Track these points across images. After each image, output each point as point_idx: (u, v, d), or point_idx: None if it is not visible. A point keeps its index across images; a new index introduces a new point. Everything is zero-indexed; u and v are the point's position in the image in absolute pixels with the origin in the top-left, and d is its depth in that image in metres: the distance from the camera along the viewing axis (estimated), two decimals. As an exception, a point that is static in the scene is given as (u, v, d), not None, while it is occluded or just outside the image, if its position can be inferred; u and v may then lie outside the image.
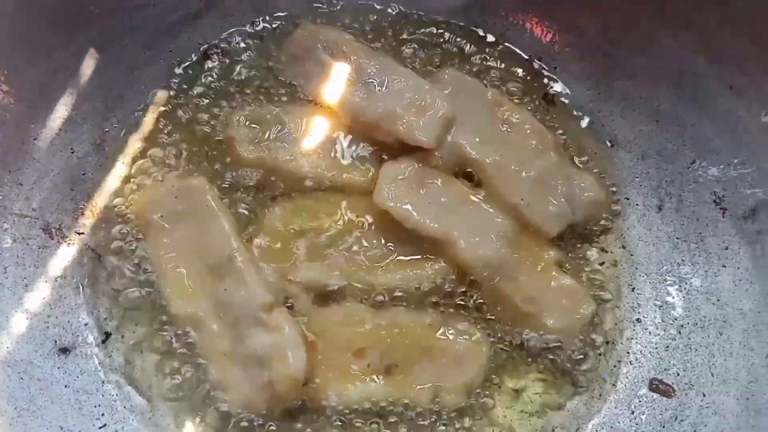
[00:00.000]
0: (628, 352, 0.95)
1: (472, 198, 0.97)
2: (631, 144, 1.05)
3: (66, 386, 0.85)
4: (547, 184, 0.98)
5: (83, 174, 0.96)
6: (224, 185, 0.98)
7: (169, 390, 0.88)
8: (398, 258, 0.96)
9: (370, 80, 1.01)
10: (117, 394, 0.87)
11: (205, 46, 1.07)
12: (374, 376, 0.90)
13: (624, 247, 1.01)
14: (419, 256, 0.95)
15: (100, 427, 0.84)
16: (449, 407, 0.89)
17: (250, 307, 0.88)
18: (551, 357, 0.93)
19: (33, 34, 0.91)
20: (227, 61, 1.07)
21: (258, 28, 1.09)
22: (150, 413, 0.87)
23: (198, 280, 0.91)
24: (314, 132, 1.00)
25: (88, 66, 0.98)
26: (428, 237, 0.93)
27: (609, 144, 1.06)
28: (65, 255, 0.92)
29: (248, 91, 1.05)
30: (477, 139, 0.99)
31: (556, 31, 1.09)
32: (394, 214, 0.93)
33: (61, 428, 0.81)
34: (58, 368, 0.86)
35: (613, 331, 0.96)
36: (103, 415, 0.85)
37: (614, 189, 1.04)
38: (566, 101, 1.08)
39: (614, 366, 0.94)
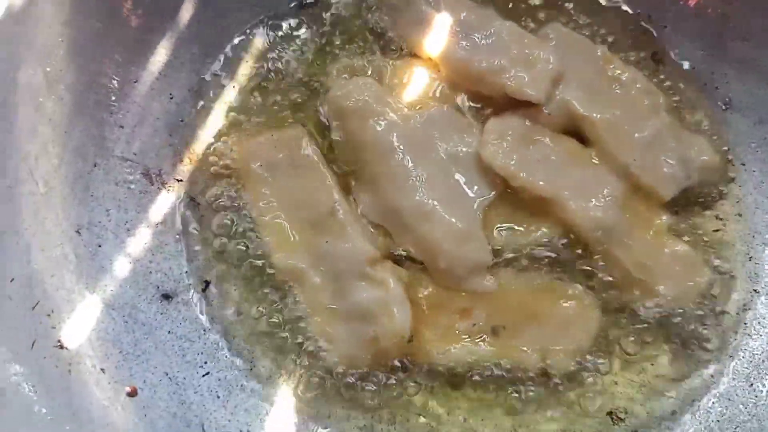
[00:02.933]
0: (745, 324, 0.90)
1: (582, 157, 0.93)
2: (747, 108, 0.99)
3: (169, 332, 0.83)
4: (660, 146, 0.93)
5: (181, 120, 0.94)
6: (323, 136, 0.94)
7: (270, 341, 0.86)
8: (505, 218, 0.91)
9: (474, 33, 0.97)
10: (219, 343, 0.85)
11: (303, -6, 1.03)
12: (480, 337, 0.86)
13: (740, 215, 0.95)
14: (527, 216, 0.91)
15: (203, 375, 0.82)
16: (558, 372, 0.85)
17: (354, 261, 0.85)
18: (664, 325, 0.89)
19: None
20: (325, 10, 1.03)
21: (357, -25, 1.04)
22: (251, 363, 0.85)
23: (299, 232, 0.89)
24: (415, 85, 0.96)
25: (186, 10, 0.95)
26: (536, 197, 0.89)
27: (723, 107, 1.00)
28: (165, 201, 0.90)
29: (345, 42, 1.01)
30: (586, 97, 0.94)
31: (667, -14, 1.03)
32: (501, 171, 0.89)
33: (166, 374, 0.80)
34: (162, 314, 0.84)
35: (729, 301, 0.91)
36: (206, 363, 0.83)
37: (729, 154, 0.98)
38: (678, 61, 1.02)
39: (731, 337, 0.90)
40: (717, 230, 0.94)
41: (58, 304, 0.75)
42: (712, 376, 0.88)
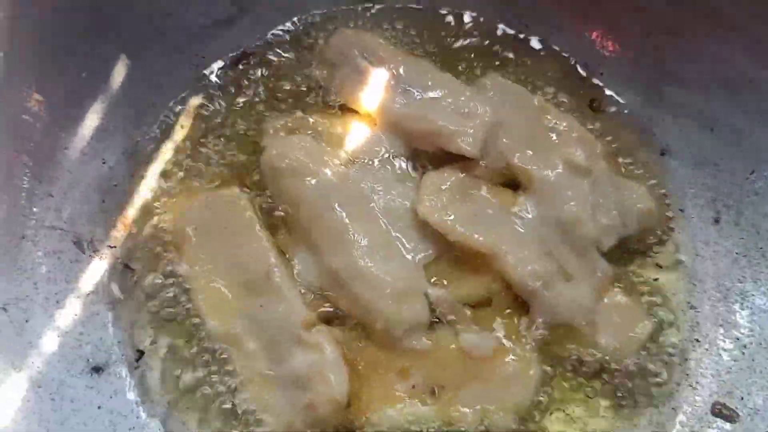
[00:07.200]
0: (687, 374, 0.90)
1: (519, 209, 0.92)
2: (684, 153, 1.00)
3: (99, 407, 0.82)
4: (598, 195, 0.93)
5: (115, 185, 0.93)
6: (259, 196, 0.93)
7: (204, 412, 0.84)
8: (443, 273, 0.91)
9: (410, 87, 0.97)
10: (151, 416, 0.83)
11: (238, 51, 1.03)
12: (419, 398, 0.85)
13: (680, 262, 0.95)
14: (466, 271, 0.90)
15: (134, 452, 0.81)
16: (498, 430, 0.84)
17: (288, 325, 0.84)
18: (606, 379, 0.88)
19: (62, 41, 0.88)
20: (261, 67, 1.03)
21: (293, 33, 1.04)
22: (186, 436, 0.83)
23: (235, 296, 0.88)
24: (353, 140, 0.95)
25: (118, 73, 0.95)
26: (474, 251, 0.88)
27: (661, 153, 1.01)
28: (97, 269, 0.88)
29: (282, 98, 1.00)
30: (523, 148, 0.94)
31: (602, 35, 1.04)
32: (438, 227, 0.89)
33: (95, 452, 0.78)
34: (91, 388, 0.82)
35: (671, 352, 0.91)
36: (137, 438, 0.82)
37: (668, 201, 0.98)
38: (614, 108, 1.03)
39: (673, 389, 0.89)
40: (657, 279, 0.94)
41: (-20, 386, 0.74)
42: (655, 430, 0.87)
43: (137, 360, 0.86)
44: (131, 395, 0.84)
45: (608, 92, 1.04)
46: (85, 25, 0.90)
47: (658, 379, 0.89)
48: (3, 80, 0.81)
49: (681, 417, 0.88)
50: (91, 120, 0.92)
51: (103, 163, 0.93)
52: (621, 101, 1.03)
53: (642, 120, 1.02)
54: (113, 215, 0.92)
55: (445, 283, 0.90)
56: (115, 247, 0.90)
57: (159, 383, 0.85)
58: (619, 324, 0.90)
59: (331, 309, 0.88)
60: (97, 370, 0.84)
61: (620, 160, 1.01)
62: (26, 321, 0.81)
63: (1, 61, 0.81)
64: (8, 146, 0.83)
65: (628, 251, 0.95)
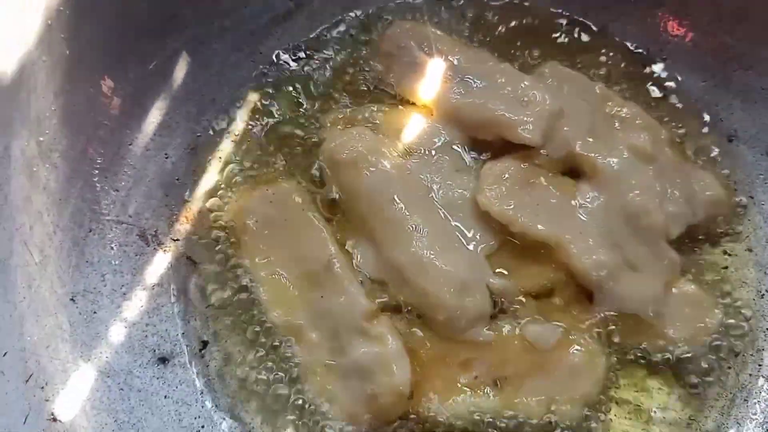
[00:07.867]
0: (760, 365, 0.87)
1: (582, 198, 0.90)
2: (753, 139, 0.96)
3: (166, 397, 0.83)
4: (664, 182, 0.90)
5: (177, 179, 0.94)
6: (318, 188, 0.93)
7: (268, 402, 0.85)
8: (505, 263, 0.89)
9: (468, 77, 0.96)
10: (216, 406, 0.85)
11: (296, 46, 1.03)
12: (482, 389, 0.84)
13: (750, 250, 0.92)
14: (528, 261, 0.89)
15: (200, 440, 0.82)
16: (564, 422, 0.82)
17: (350, 316, 0.84)
18: (673, 370, 0.86)
19: (126, 40, 0.90)
20: (318, 60, 1.03)
21: (349, 27, 1.04)
22: (250, 426, 0.84)
23: (296, 288, 0.88)
24: (411, 132, 0.95)
25: (180, 70, 0.96)
26: (537, 241, 0.87)
27: (728, 139, 0.97)
28: (161, 262, 0.90)
29: (340, 91, 1.01)
30: (585, 136, 0.92)
31: (666, 18, 1.01)
32: (499, 217, 0.87)
33: (162, 441, 0.79)
34: (158, 378, 0.84)
35: (743, 341, 0.88)
36: (203, 427, 0.83)
37: (736, 187, 0.95)
38: (679, 94, 1.00)
39: (746, 380, 0.86)
40: (726, 267, 0.92)
41: (51, 375, 0.75)
42: (725, 421, 0.84)
43: (201, 350, 0.87)
44: (196, 385, 0.85)
45: (673, 77, 1.01)
46: (147, 24, 0.91)
47: (729, 370, 0.87)
48: (69, 78, 0.83)
49: (754, 408, 0.85)
50: (154, 116, 0.93)
51: (166, 158, 0.94)
52: (686, 86, 1.00)
53: (708, 105, 0.99)
54: (176, 209, 0.93)
55: (507, 273, 0.88)
56: (178, 240, 0.92)
57: (223, 373, 0.86)
58: (687, 314, 0.87)
59: (392, 300, 0.87)
60: (163, 360, 0.85)
61: (686, 146, 0.97)
62: (94, 312, 0.83)
63: (67, 60, 0.82)
64: (76, 142, 0.85)
65: (696, 239, 0.92)
